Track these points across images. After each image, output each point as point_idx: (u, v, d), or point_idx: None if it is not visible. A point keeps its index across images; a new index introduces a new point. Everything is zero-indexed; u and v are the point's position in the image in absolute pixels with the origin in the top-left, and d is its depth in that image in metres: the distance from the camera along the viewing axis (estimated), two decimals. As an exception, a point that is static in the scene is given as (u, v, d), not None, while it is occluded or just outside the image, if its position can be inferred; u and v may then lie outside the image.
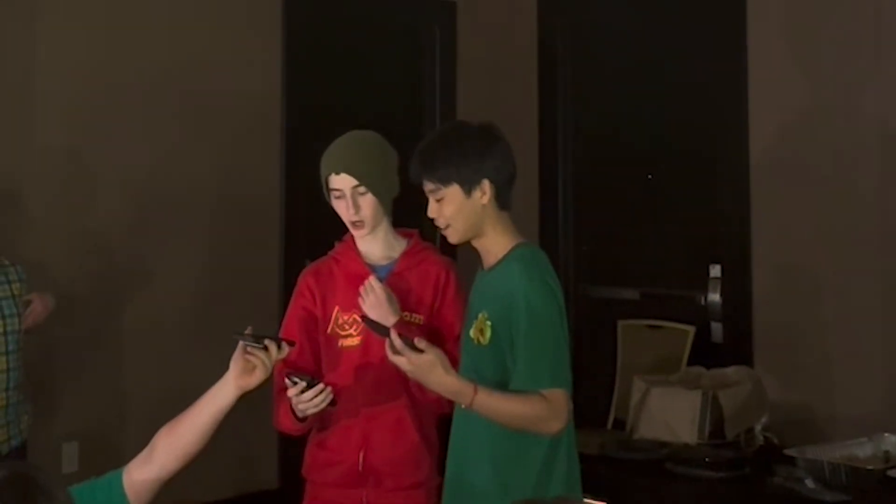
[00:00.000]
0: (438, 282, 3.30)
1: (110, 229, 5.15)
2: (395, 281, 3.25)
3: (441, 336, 3.23)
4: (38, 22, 5.01)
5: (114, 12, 5.21)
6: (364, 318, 3.11)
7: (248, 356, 2.74)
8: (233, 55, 5.56)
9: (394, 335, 2.91)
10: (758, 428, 4.72)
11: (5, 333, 4.14)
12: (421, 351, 2.89)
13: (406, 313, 3.21)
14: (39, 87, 5.01)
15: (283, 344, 2.80)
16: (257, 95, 5.65)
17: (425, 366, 2.89)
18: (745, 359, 5.24)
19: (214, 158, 5.47)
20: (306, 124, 5.71)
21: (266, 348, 2.75)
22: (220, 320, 5.35)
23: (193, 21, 5.44)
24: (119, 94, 5.20)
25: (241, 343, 2.75)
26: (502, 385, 2.97)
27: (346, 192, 3.23)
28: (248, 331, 2.77)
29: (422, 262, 3.32)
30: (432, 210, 3.08)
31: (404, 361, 2.90)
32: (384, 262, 3.32)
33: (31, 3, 5.01)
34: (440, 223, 3.09)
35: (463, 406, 2.94)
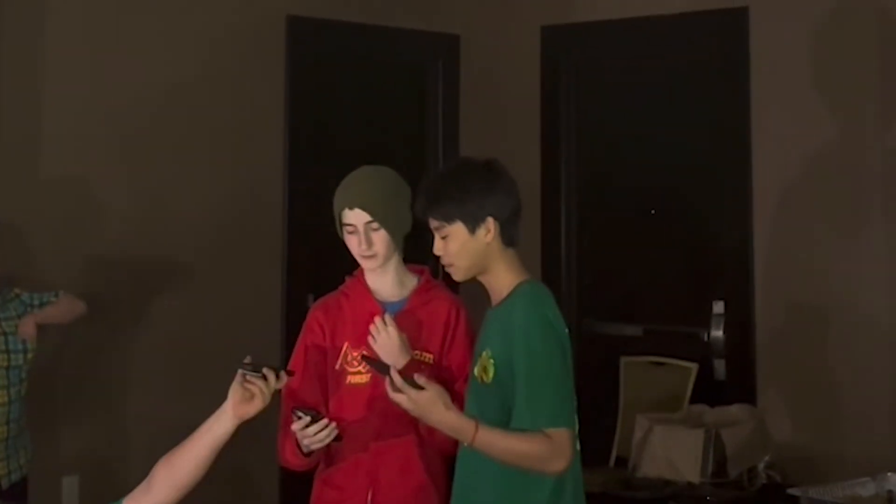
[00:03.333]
0: (449, 320, 3.28)
1: (112, 262, 5.14)
2: (405, 318, 3.24)
3: (451, 375, 3.22)
4: (42, 52, 5.03)
5: (118, 44, 5.22)
6: (364, 356, 3.10)
7: (246, 385, 2.73)
8: (236, 92, 5.57)
9: (393, 373, 2.91)
10: (761, 466, 4.70)
11: (8, 368, 4.18)
12: (421, 388, 2.88)
13: (416, 352, 3.19)
14: (45, 117, 5.02)
15: (282, 373, 2.79)
16: (261, 131, 5.66)
17: (425, 402, 2.89)
18: (748, 396, 5.22)
19: (217, 193, 5.47)
20: (310, 159, 5.72)
21: (265, 377, 2.75)
22: (222, 354, 5.31)
23: (197, 58, 5.45)
24: (121, 129, 5.21)
25: (239, 372, 2.74)
26: (506, 424, 2.95)
27: (359, 227, 3.22)
28: (246, 360, 2.77)
29: (432, 299, 3.31)
30: (437, 247, 3.08)
31: (404, 399, 2.91)
32: (394, 299, 3.30)
33: (36, 34, 5.02)
34: (445, 261, 3.08)
35: (465, 444, 2.93)
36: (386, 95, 6.20)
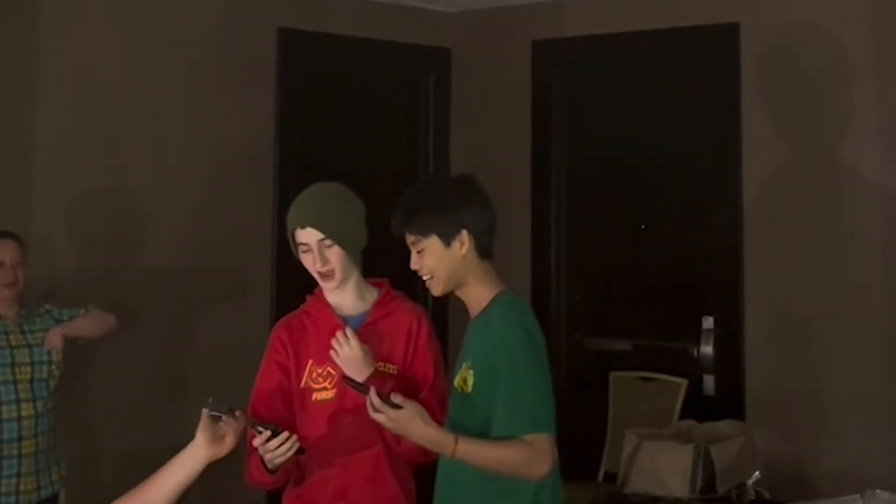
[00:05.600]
0: (411, 330, 3.31)
1: (98, 279, 5.12)
2: (367, 331, 3.26)
3: (416, 384, 3.24)
4: (35, 60, 5.03)
5: (109, 55, 5.21)
6: (344, 377, 3.11)
7: (222, 424, 2.71)
8: (227, 104, 5.55)
9: (372, 393, 2.94)
10: (750, 482, 4.70)
11: (33, 381, 4.21)
12: (399, 407, 2.92)
13: (380, 363, 3.21)
14: (37, 127, 5.02)
15: (245, 412, 2.84)
16: (251, 144, 5.65)
17: (404, 420, 2.93)
18: (737, 412, 5.21)
19: (206, 206, 5.46)
20: (300, 172, 5.69)
21: (235, 417, 2.73)
22: (210, 373, 5.33)
23: (188, 70, 5.43)
24: (110, 141, 5.19)
25: (205, 413, 2.73)
26: (488, 433, 2.97)
27: (312, 245, 3.24)
28: (210, 400, 2.74)
29: (393, 311, 3.34)
30: (414, 262, 3.12)
31: (384, 418, 2.95)
32: (355, 314, 3.32)
33: (30, 44, 5.02)
34: (423, 274, 3.11)
35: (447, 456, 2.95)
36: (377, 109, 6.20)
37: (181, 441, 2.77)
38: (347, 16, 5.99)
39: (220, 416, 2.72)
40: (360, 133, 6.07)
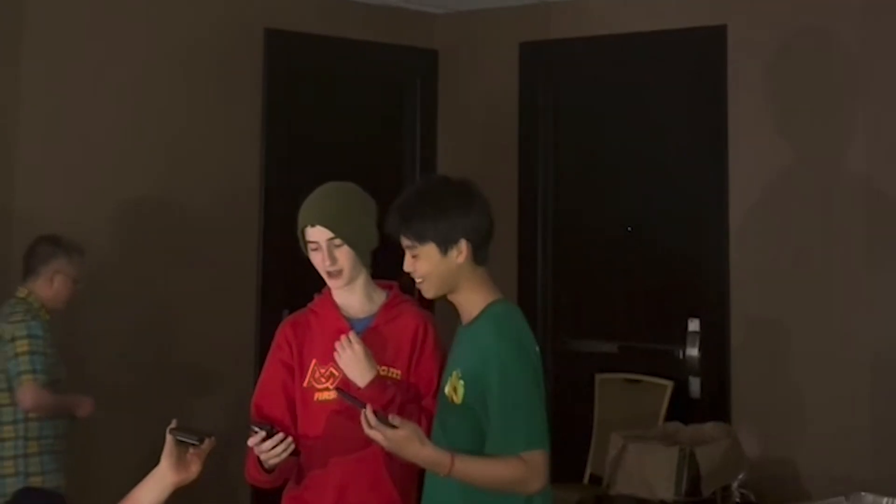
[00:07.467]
0: (417, 336, 3.26)
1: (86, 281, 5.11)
2: (372, 334, 3.22)
3: (419, 391, 3.21)
4: (19, 63, 5.02)
5: (95, 56, 5.20)
6: (338, 389, 3.09)
7: (189, 455, 2.67)
8: (213, 106, 5.55)
9: (368, 411, 2.90)
10: (735, 485, 4.71)
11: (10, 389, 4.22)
12: (394, 427, 2.88)
13: (384, 368, 3.18)
14: (20, 132, 5.00)
15: (212, 438, 2.75)
16: (237, 145, 5.64)
17: (400, 441, 2.89)
18: (723, 414, 5.23)
19: (191, 206, 5.45)
20: (286, 174, 5.69)
21: (201, 444, 2.69)
22: (197, 372, 5.31)
23: (174, 70, 5.42)
24: (95, 143, 5.18)
25: (171, 438, 2.67)
26: (476, 443, 2.95)
27: (321, 244, 3.20)
28: (173, 425, 2.70)
29: (400, 315, 3.29)
30: (408, 264, 3.05)
31: (380, 437, 2.89)
32: (362, 315, 3.28)
33: (14, 49, 5.01)
34: (415, 277, 3.07)
35: (442, 475, 2.92)
36: (364, 110, 6.19)
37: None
38: (334, 17, 5.98)
39: (187, 443, 2.67)
40: (347, 134, 6.06)
